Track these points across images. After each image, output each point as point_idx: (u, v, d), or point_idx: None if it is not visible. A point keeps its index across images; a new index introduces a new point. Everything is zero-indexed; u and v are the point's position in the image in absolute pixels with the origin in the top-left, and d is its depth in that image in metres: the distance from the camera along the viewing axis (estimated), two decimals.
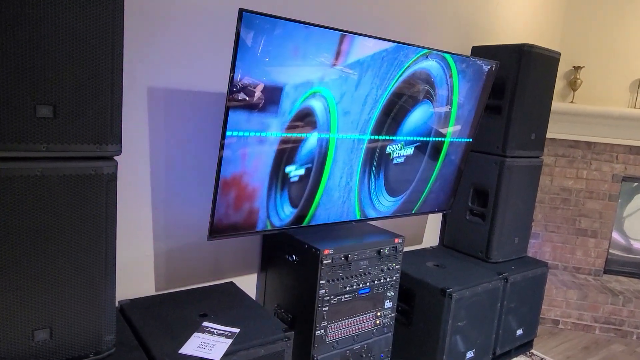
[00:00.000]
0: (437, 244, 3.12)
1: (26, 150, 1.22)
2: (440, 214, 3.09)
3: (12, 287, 1.25)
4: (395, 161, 2.16)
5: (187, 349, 1.53)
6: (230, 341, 1.60)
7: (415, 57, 1.98)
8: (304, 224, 1.98)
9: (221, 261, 2.15)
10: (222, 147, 1.59)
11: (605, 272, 3.61)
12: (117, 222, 1.41)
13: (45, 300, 1.31)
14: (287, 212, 1.90)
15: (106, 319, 1.41)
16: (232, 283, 2.12)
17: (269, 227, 1.88)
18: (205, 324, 1.70)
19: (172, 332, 1.63)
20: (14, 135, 1.20)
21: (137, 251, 1.90)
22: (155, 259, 1.96)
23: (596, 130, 3.42)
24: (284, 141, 1.74)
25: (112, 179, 1.36)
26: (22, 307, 1.28)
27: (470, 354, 2.46)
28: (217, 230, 1.72)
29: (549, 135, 3.17)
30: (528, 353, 2.92)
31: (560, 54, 2.74)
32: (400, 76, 1.97)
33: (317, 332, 1.92)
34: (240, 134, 1.62)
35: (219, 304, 1.88)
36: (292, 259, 2.01)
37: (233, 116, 1.57)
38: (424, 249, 2.91)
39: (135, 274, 1.92)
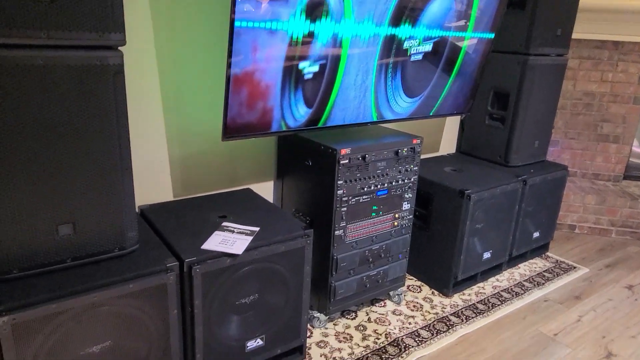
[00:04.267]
0: (453, 151, 3.07)
1: (25, 37, 1.15)
2: (458, 121, 3.01)
3: (33, 182, 1.24)
4: (413, 58, 2.05)
5: (209, 244, 1.55)
6: (250, 238, 1.61)
7: None
8: (319, 125, 1.93)
9: (237, 168, 2.14)
10: (230, 40, 1.50)
11: (625, 177, 3.55)
12: (129, 125, 1.37)
13: (66, 196, 1.30)
14: (302, 112, 1.84)
15: (127, 214, 1.42)
16: (249, 189, 2.11)
17: (284, 128, 1.83)
18: (225, 223, 1.71)
19: (193, 232, 1.64)
20: (11, 21, 1.12)
21: (152, 156, 1.88)
22: (171, 165, 1.94)
23: (625, 29, 3.21)
24: (296, 33, 1.64)
25: (119, 71, 1.30)
26: (45, 203, 1.28)
27: (487, 255, 2.49)
28: (231, 130, 1.68)
29: (573, 36, 2.98)
30: (544, 255, 2.96)
31: None
32: None
33: (336, 232, 1.93)
34: (250, 24, 1.52)
35: (237, 207, 1.89)
36: (308, 163, 1.98)
37: (241, 5, 1.46)
38: (441, 156, 2.87)
39: (152, 181, 1.91)
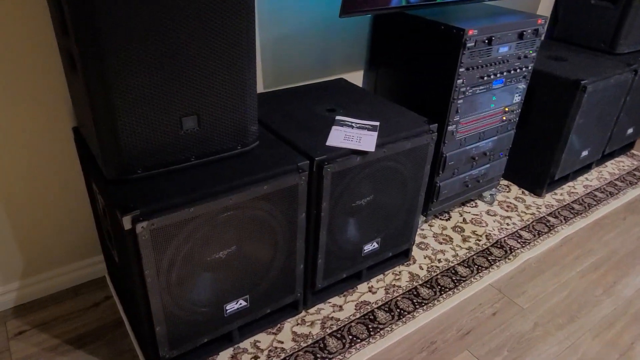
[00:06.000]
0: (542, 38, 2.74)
1: None
2: (551, 5, 2.64)
3: (159, 75, 1.02)
4: None
5: (333, 141, 1.36)
6: (375, 133, 1.42)
7: None
8: (438, 0, 1.63)
9: (328, 56, 1.88)
10: None
11: None
12: None
13: (191, 88, 1.09)
14: None
15: (250, 107, 1.21)
16: (342, 79, 1.87)
17: (404, 3, 1.54)
18: (339, 117, 1.51)
19: (307, 127, 1.45)
20: None
21: None
22: (262, 51, 1.68)
23: None
24: None
25: None
26: (170, 95, 1.06)
27: (584, 153, 2.31)
28: (349, 5, 1.40)
29: None
30: (629, 153, 2.77)
31: None
32: None
33: (449, 128, 1.73)
34: None
35: (341, 98, 1.67)
36: (420, 48, 1.72)
37: None
38: None
39: None
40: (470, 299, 1.68)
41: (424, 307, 1.62)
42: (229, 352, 1.41)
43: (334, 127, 1.44)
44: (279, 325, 1.52)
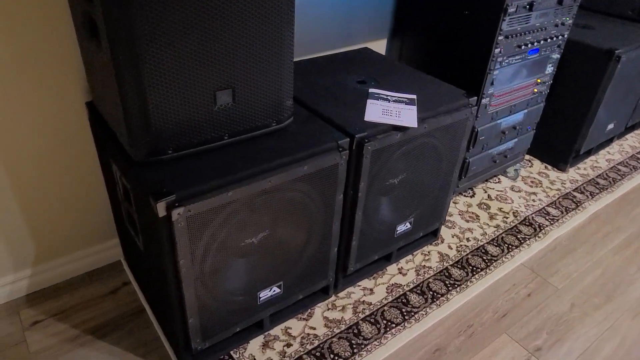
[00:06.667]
0: None
1: None
2: None
3: (193, 47, 0.90)
4: None
5: (371, 116, 1.26)
6: (415, 107, 1.32)
7: None
8: None
9: (351, 23, 1.75)
10: None
11: None
12: None
13: (226, 60, 0.97)
14: None
15: (286, 79, 1.10)
16: (367, 48, 1.75)
17: None
18: (373, 90, 1.40)
19: (339, 101, 1.34)
20: None
21: None
22: None
23: None
24: None
25: None
26: (204, 68, 0.95)
27: (610, 126, 2.23)
28: None
29: None
30: None
31: None
32: None
33: (482, 101, 1.63)
34: None
35: (369, 69, 1.56)
36: (465, 12, 1.60)
37: None
38: None
39: None
40: (503, 279, 1.62)
41: (457, 289, 1.56)
42: (259, 339, 1.34)
43: (369, 101, 1.33)
44: (309, 310, 1.45)
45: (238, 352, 1.30)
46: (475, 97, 1.42)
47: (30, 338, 1.33)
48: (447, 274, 1.61)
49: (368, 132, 1.20)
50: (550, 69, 1.82)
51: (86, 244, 1.51)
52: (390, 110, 1.29)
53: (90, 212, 1.46)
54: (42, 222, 1.39)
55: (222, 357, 1.29)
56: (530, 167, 2.24)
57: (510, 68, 1.63)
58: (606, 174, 2.23)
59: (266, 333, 1.36)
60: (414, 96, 1.38)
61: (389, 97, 1.36)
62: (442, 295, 1.53)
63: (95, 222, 1.49)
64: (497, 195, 2.02)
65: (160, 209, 0.92)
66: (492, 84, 1.61)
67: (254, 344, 1.33)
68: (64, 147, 1.32)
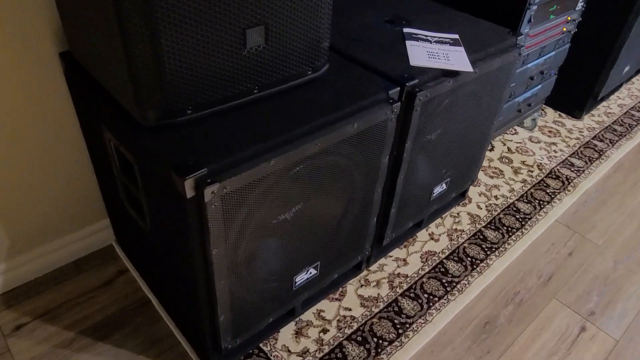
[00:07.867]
0: None
1: None
2: None
3: None
4: None
5: (417, 60, 1.05)
6: (462, 49, 1.11)
7: None
8: None
9: None
10: None
11: None
12: None
13: None
14: None
15: (325, 13, 0.87)
16: None
17: None
18: (408, 29, 1.18)
19: (374, 44, 1.12)
20: None
21: None
22: None
23: None
24: None
25: None
26: (230, 2, 0.71)
27: (626, 68, 2.10)
28: None
29: None
30: None
31: None
32: None
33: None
34: None
35: (395, 6, 1.33)
36: None
37: None
38: None
39: None
40: (540, 239, 1.49)
41: (496, 253, 1.42)
42: (291, 327, 1.17)
43: (408, 42, 1.12)
44: (340, 289, 1.27)
45: (269, 344, 1.12)
46: (522, 36, 1.23)
47: (14, 347, 1.10)
48: (481, 236, 1.47)
49: (421, 79, 0.99)
50: (580, 5, 1.64)
51: (70, 229, 1.26)
52: (435, 52, 1.08)
53: (72, 190, 1.21)
54: (14, 206, 1.13)
55: (251, 351, 1.10)
56: (544, 116, 2.10)
57: (543, 7, 1.44)
58: (621, 120, 2.12)
59: (297, 319, 1.18)
60: (457, 36, 1.17)
61: (429, 38, 1.15)
62: (482, 260, 1.39)
63: (79, 201, 1.24)
64: (517, 147, 1.88)
65: (189, 187, 0.69)
66: (529, 20, 1.41)
67: (286, 333, 1.15)
68: (33, 110, 1.05)
